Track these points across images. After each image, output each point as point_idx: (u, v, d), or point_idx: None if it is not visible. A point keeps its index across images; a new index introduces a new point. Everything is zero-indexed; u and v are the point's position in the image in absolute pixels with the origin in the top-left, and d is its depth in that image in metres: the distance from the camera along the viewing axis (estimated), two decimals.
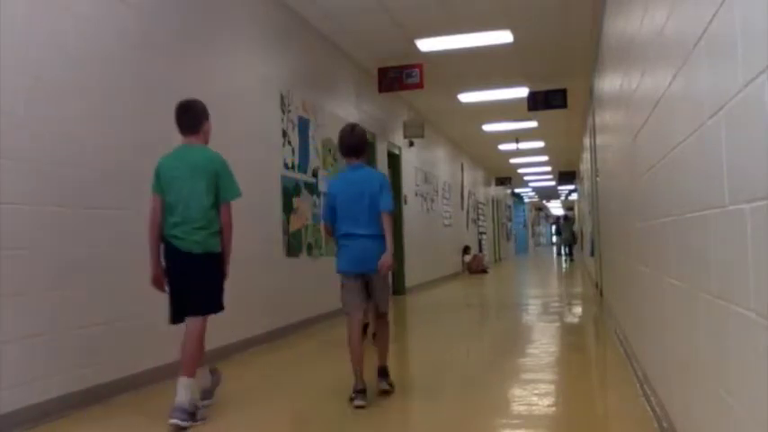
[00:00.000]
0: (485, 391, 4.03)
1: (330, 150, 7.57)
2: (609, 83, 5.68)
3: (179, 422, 3.22)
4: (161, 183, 3.46)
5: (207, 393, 3.65)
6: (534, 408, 3.60)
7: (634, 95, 3.63)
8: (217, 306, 3.53)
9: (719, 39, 1.68)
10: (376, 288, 3.84)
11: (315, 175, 7.08)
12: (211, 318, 3.52)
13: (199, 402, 3.46)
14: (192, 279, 3.43)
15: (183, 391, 3.30)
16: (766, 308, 1.37)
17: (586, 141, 11.77)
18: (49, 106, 3.51)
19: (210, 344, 3.75)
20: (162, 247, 3.48)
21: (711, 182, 1.81)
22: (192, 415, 3.30)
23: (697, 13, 1.90)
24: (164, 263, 3.48)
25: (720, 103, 1.67)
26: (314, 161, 7.10)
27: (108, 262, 3.88)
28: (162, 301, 3.50)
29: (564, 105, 9.98)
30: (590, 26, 7.26)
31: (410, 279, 11.02)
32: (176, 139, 3.59)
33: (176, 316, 3.49)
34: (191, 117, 3.60)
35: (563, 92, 9.87)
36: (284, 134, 6.37)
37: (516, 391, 4.07)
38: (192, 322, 3.45)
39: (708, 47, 1.80)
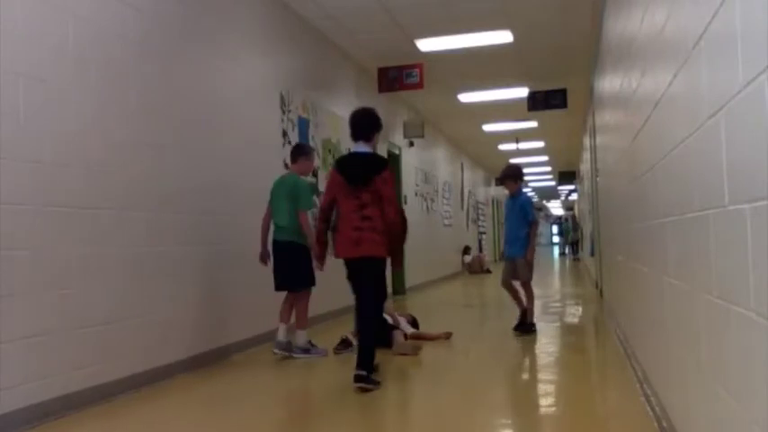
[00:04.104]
0: (485, 390, 4.03)
1: (330, 150, 7.57)
2: (609, 83, 5.68)
3: (301, 355, 4.97)
4: None
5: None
6: (534, 408, 3.60)
7: (634, 95, 3.63)
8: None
9: (719, 39, 1.68)
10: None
11: (315, 175, 7.07)
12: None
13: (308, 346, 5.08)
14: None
15: (299, 337, 5.04)
16: (766, 308, 1.37)
17: (586, 141, 11.77)
18: (50, 107, 3.50)
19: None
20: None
21: (711, 182, 1.81)
22: (306, 351, 5.02)
23: (697, 13, 1.90)
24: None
25: (720, 102, 1.67)
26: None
27: (108, 262, 3.88)
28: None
29: (564, 105, 9.98)
30: (590, 26, 7.26)
31: (410, 279, 11.02)
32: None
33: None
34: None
35: (563, 92, 9.86)
36: (284, 134, 6.37)
37: (516, 391, 4.08)
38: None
39: (708, 47, 1.80)
